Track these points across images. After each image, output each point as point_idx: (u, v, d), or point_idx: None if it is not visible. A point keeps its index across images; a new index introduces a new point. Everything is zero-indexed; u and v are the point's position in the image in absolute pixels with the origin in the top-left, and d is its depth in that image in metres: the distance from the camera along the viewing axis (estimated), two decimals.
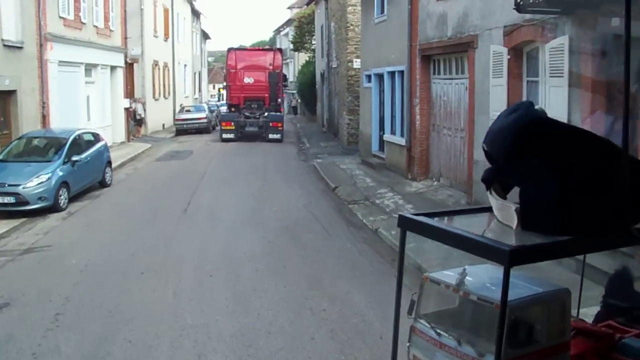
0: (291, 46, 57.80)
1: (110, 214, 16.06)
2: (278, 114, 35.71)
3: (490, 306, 3.79)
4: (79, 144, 18.35)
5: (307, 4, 49.58)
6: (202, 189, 19.23)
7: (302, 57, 56.89)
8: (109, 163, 20.39)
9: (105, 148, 20.33)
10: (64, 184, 16.48)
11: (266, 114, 34.72)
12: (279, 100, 37.65)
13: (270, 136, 33.57)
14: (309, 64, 51.45)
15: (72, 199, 17.14)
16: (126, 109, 31.74)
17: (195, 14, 58.75)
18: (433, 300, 4.44)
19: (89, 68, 26.89)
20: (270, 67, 36.44)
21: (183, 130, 38.54)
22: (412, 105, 19.95)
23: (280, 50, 41.36)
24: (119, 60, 30.32)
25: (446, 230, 3.74)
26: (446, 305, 4.38)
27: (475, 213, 4.24)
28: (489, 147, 3.55)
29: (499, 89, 14.24)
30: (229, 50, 38.35)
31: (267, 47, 54.17)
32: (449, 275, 4.26)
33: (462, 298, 4.13)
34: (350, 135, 31.05)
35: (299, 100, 56.28)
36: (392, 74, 22.22)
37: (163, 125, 41.70)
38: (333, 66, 36.02)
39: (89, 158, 18.37)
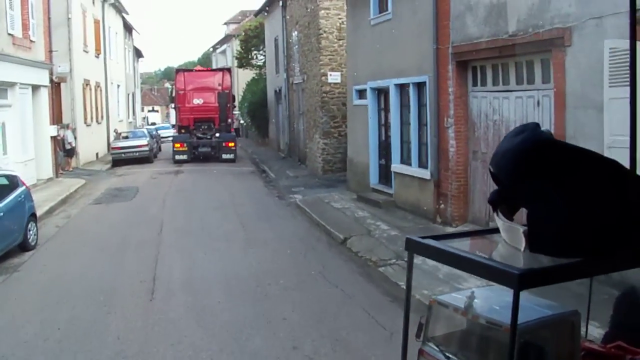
0: (234, 63, 52.44)
1: (34, 306, 10.41)
2: (230, 134, 35.88)
3: (499, 329, 3.84)
4: None
5: (256, 14, 44.47)
6: (166, 252, 13.77)
7: (246, 75, 51.64)
8: (33, 216, 14.85)
9: (27, 196, 14.78)
10: None
11: (218, 134, 34.58)
12: (229, 120, 37.43)
13: (224, 156, 33.43)
14: (258, 82, 46.44)
15: None
16: (53, 138, 26.05)
17: (128, 29, 52.98)
18: (441, 323, 4.47)
19: (4, 88, 21.21)
20: (219, 88, 35.96)
21: (121, 160, 33.00)
22: (442, 127, 15.12)
23: (229, 70, 39.47)
24: (42, 78, 24.64)
25: (454, 254, 3.43)
26: (455, 328, 4.40)
27: (483, 235, 4.02)
28: (495, 168, 3.44)
29: (621, 104, 9.31)
30: (177, 71, 39.06)
31: (216, 67, 52.00)
32: (457, 298, 4.42)
33: (470, 321, 4.19)
34: (326, 163, 26.07)
35: (244, 122, 50.91)
36: (402, 87, 17.41)
37: (97, 154, 35.93)
38: (295, 82, 31.05)
39: (1, 214, 12.82)
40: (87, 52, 34.04)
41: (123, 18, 49.27)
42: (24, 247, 14.04)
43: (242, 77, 52.34)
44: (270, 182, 25.67)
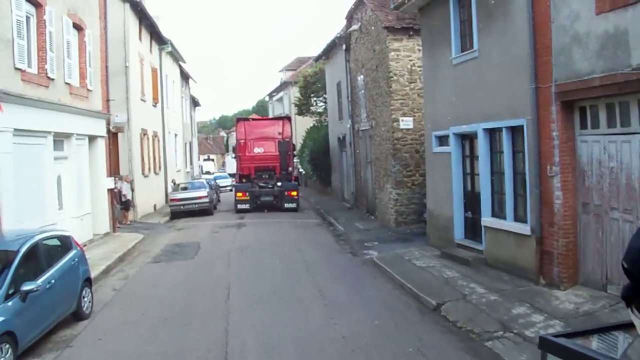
0: (292, 110, 51.26)
1: None
2: (292, 183, 34.93)
3: None
4: (37, 258, 11.37)
5: (317, 60, 43.23)
6: (237, 324, 12.04)
7: (305, 122, 50.32)
8: (87, 281, 13.32)
9: (81, 259, 13.28)
10: (6, 335, 9.36)
11: (279, 183, 33.94)
12: (290, 169, 35.92)
13: (286, 205, 32.92)
14: (318, 129, 45.05)
15: (25, 353, 10.04)
16: (110, 190, 24.80)
17: (184, 77, 52.40)
18: None
19: (60, 139, 20.04)
20: (280, 136, 35.70)
21: (180, 212, 31.65)
22: (545, 176, 13.23)
23: (289, 118, 38.96)
24: (99, 128, 23.53)
25: (592, 357, 3.49)
26: None
27: (617, 330, 3.99)
28: (630, 264, 3.38)
29: None
30: (238, 120, 38.67)
31: (276, 116, 51.52)
32: None
33: None
34: (399, 215, 24.26)
35: (303, 170, 49.44)
36: (492, 132, 15.59)
37: (154, 206, 34.72)
38: (362, 128, 29.48)
39: (52, 280, 11.33)
40: (144, 101, 33.08)
41: (180, 66, 48.66)
42: (78, 316, 12.53)
43: (301, 124, 51.05)
44: (340, 236, 23.92)
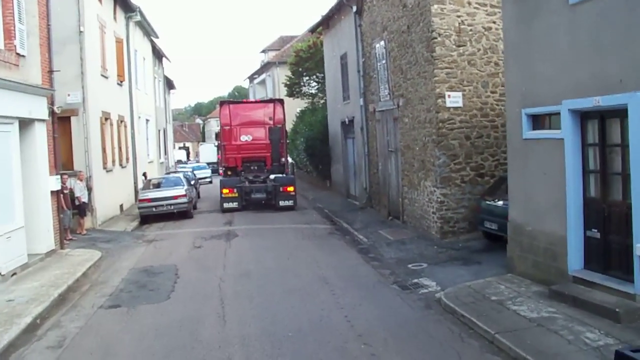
0: (280, 92, 44.84)
1: None
2: (288, 176, 30.50)
3: None
4: None
5: (313, 30, 36.78)
6: None
7: (296, 105, 43.94)
8: None
9: None
10: None
11: (272, 176, 29.15)
12: (283, 159, 31.11)
13: (281, 203, 27.97)
14: (314, 112, 38.69)
15: None
16: (56, 193, 18.36)
17: (157, 55, 45.68)
18: None
19: None
20: (271, 122, 30.81)
21: (152, 215, 25.24)
22: None
23: (281, 101, 32.94)
24: (38, 109, 17.05)
25: None
26: None
27: None
28: None
29: None
30: (222, 103, 33.25)
31: (266, 98, 46.52)
32: None
33: None
34: (445, 222, 18.17)
35: (293, 161, 42.94)
36: None
37: (121, 207, 28.22)
38: (381, 109, 23.29)
39: None
40: (106, 77, 26.48)
41: (152, 42, 41.95)
42: None
43: (291, 108, 44.69)
44: (367, 252, 17.73)
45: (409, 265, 15.41)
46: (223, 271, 15.59)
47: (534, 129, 12.67)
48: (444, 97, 17.84)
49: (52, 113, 18.25)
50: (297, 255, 17.40)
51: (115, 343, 10.39)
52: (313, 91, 42.68)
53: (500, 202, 15.74)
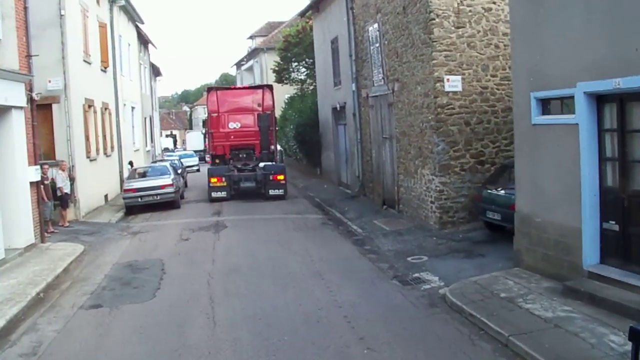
0: (272, 77, 43.86)
1: None
2: (279, 164, 29.70)
3: None
4: None
5: (303, 14, 35.79)
6: None
7: (284, 91, 43.02)
8: None
9: None
10: None
11: (262, 164, 28.48)
12: (272, 147, 30.20)
13: (272, 192, 27.02)
14: (303, 98, 37.80)
15: None
16: (35, 184, 17.45)
17: (143, 41, 44.58)
18: None
19: None
20: (259, 108, 29.89)
21: (137, 205, 24.35)
22: None
23: (270, 87, 31.96)
24: (15, 96, 16.09)
25: None
26: None
27: None
28: None
29: None
30: (209, 90, 32.07)
31: (255, 84, 45.02)
32: None
33: None
34: (444, 212, 17.37)
35: (281, 149, 41.98)
36: None
37: (105, 197, 27.30)
38: (374, 94, 22.45)
39: None
40: (89, 63, 25.47)
41: (137, 27, 40.85)
42: None
43: (279, 94, 43.82)
44: (362, 244, 16.92)
45: (408, 258, 14.62)
46: (212, 266, 14.74)
47: (543, 113, 11.87)
48: (442, 81, 17.02)
49: (30, 100, 17.29)
50: (289, 248, 16.57)
51: (95, 350, 9.53)
52: (302, 77, 41.74)
53: (503, 191, 15.01)
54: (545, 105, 11.80)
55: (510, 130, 17.07)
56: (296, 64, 41.47)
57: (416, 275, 13.23)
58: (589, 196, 10.62)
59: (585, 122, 10.58)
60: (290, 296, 11.91)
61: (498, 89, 17.44)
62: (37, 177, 17.43)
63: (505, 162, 16.51)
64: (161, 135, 74.65)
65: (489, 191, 15.75)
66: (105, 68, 28.80)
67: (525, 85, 12.18)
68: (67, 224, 20.69)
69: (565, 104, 11.25)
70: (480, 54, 17.31)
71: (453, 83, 17.12)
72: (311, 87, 39.81)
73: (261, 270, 14.11)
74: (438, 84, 16.98)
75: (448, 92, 17.09)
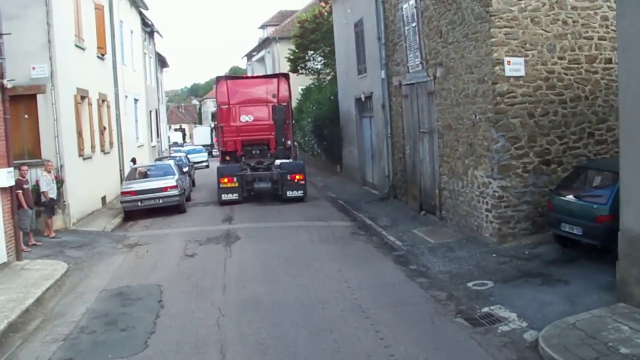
0: (286, 67, 40.76)
1: None
2: (297, 162, 26.06)
3: None
4: None
5: None
6: None
7: (299, 81, 40.00)
8: None
9: None
10: None
11: (278, 162, 25.53)
12: (289, 142, 27.35)
13: (289, 194, 24.04)
14: (321, 89, 34.75)
15: None
16: (8, 190, 14.47)
17: (148, 29, 41.54)
18: None
19: None
20: (275, 100, 27.15)
21: (137, 210, 21.37)
22: None
23: (286, 75, 29.17)
24: None
25: None
26: None
27: None
28: None
29: None
30: (219, 79, 28.87)
31: (269, 74, 40.83)
32: None
33: None
34: (504, 222, 14.27)
35: (299, 143, 38.94)
36: None
37: (103, 199, 24.33)
38: (409, 82, 19.39)
39: None
40: (82, 48, 22.46)
41: (141, 14, 37.84)
42: None
43: (293, 85, 40.84)
44: (406, 262, 13.86)
45: (469, 284, 11.64)
46: (223, 296, 11.68)
47: None
48: (502, 63, 13.97)
49: (1, 88, 14.28)
50: (317, 269, 13.51)
51: None
52: (319, 66, 38.70)
53: (585, 200, 11.99)
54: None
55: (580, 124, 14.22)
56: (313, 52, 38.39)
57: (485, 310, 10.23)
58: None
59: None
60: (327, 347, 8.85)
61: (566, 74, 14.42)
62: (10, 182, 14.42)
63: (581, 163, 13.54)
64: (169, 129, 71.87)
65: (564, 199, 12.70)
66: (103, 55, 25.82)
67: None
68: (53, 235, 17.74)
69: None
70: (546, 31, 14.24)
71: (515, 66, 14.07)
72: (329, 77, 36.80)
73: (286, 304, 11.03)
74: (497, 68, 13.91)
75: (509, 78, 14.04)
